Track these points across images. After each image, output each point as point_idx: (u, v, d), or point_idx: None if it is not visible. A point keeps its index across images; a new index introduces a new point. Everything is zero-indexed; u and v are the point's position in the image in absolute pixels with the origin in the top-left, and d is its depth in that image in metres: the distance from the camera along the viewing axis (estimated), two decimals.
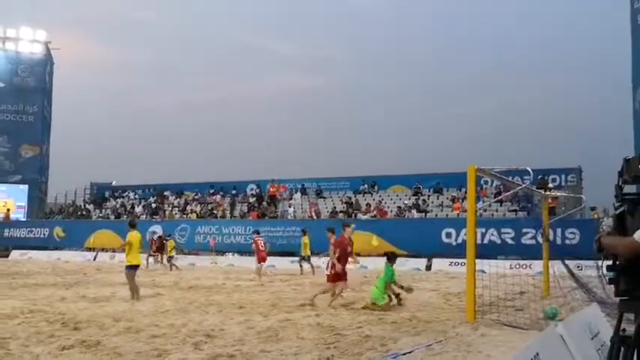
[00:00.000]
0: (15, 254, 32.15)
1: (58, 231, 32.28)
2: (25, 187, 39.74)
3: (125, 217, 33.16)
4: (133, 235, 12.36)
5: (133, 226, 12.80)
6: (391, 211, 26.70)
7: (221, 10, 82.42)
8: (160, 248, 23.61)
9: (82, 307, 10.62)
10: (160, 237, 24.75)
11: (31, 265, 23.02)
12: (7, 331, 7.92)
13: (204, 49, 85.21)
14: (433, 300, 12.00)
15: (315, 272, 18.91)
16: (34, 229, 33.29)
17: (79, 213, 35.94)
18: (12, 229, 34.76)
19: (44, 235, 32.97)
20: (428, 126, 76.87)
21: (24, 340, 7.37)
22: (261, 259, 18.34)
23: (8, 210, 37.59)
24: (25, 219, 37.42)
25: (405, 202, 27.16)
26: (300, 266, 20.33)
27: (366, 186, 30.65)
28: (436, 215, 25.49)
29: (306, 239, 20.10)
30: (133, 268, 12.28)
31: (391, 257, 11.27)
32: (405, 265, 21.09)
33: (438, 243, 22.24)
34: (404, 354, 6.54)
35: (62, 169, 47.33)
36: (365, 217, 26.05)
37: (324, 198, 31.06)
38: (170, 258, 22.54)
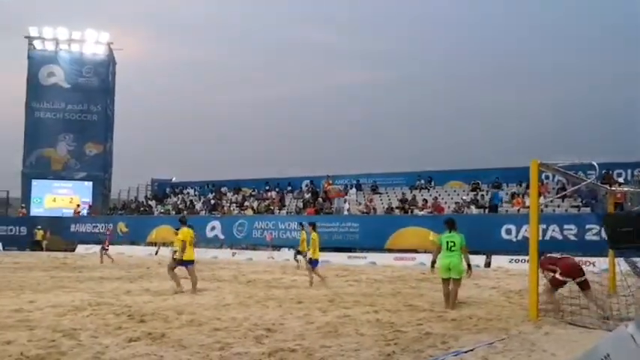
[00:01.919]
0: (80, 248, 33.42)
1: (122, 226, 33.32)
2: (89, 184, 41.16)
3: (185, 212, 33.96)
4: (185, 232, 12.73)
5: (183, 222, 13.13)
6: (448, 207, 26.34)
7: (278, 5, 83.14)
8: None
9: (146, 300, 10.95)
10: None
11: (96, 259, 23.84)
12: (77, 323, 8.25)
13: (260, 45, 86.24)
14: (494, 298, 11.79)
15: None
16: (98, 224, 34.46)
17: (141, 209, 36.98)
18: (78, 224, 36.12)
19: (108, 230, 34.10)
20: (484, 118, 75.45)
21: (93, 331, 7.65)
22: None
23: (78, 206, 39.06)
24: (86, 214, 38.74)
25: (463, 197, 26.75)
26: (296, 260, 20.21)
27: (422, 181, 30.33)
28: (496, 211, 24.99)
29: (303, 234, 19.67)
30: (190, 263, 12.68)
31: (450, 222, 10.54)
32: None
33: (498, 239, 21.81)
34: (465, 352, 6.47)
35: (125, 166, 48.84)
36: (421, 213, 25.81)
37: (380, 194, 30.91)
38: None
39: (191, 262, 12.75)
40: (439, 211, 25.03)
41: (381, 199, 30.09)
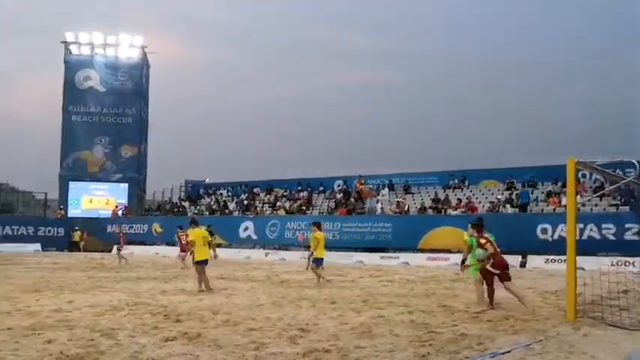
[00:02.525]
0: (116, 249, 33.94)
1: (156, 227, 33.79)
2: (125, 186, 41.86)
3: (218, 213, 34.30)
4: (195, 232, 12.95)
5: (194, 223, 13.35)
6: (483, 206, 26.04)
7: (301, 6, 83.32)
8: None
9: (181, 300, 11.08)
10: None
11: (132, 259, 24.23)
12: (115, 322, 8.39)
13: (287, 45, 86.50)
14: (530, 298, 11.59)
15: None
16: (134, 224, 34.99)
17: (175, 210, 37.44)
18: (114, 225, 36.74)
19: (143, 230, 34.63)
20: (519, 116, 74.40)
21: (130, 331, 7.77)
22: (182, 251, 20.21)
23: (116, 207, 39.79)
24: (122, 215, 39.38)
25: (498, 196, 26.41)
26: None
27: (455, 181, 30.05)
28: (530, 210, 24.61)
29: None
30: (201, 264, 12.85)
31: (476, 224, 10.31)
32: None
33: (533, 239, 21.46)
34: (502, 353, 6.39)
35: (159, 168, 49.53)
36: (455, 212, 25.57)
37: (412, 194, 30.73)
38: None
39: (204, 261, 12.92)
40: (473, 211, 24.75)
41: (413, 199, 29.90)
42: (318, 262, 14.89)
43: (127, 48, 42.49)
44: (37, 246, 34.04)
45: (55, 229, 36.24)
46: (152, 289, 13.31)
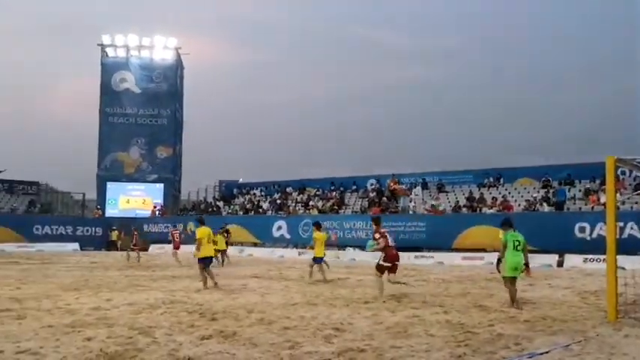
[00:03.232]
0: (153, 248, 34.50)
1: (191, 226, 34.11)
2: (160, 186, 42.44)
3: (252, 212, 34.54)
4: (202, 231, 13.37)
5: (201, 222, 13.86)
6: (519, 204, 25.67)
7: (338, 5, 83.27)
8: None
9: (216, 299, 11.19)
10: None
11: (168, 258, 24.54)
12: (152, 321, 8.52)
13: (321, 45, 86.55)
14: (568, 298, 11.39)
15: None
16: (169, 224, 35.47)
17: (210, 209, 37.82)
18: (151, 225, 37.35)
19: (179, 230, 35.04)
20: (555, 114, 73.12)
21: (167, 329, 7.88)
22: (175, 248, 22.85)
23: (155, 207, 40.43)
24: (158, 215, 39.94)
25: (534, 195, 25.99)
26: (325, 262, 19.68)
27: (490, 179, 29.68)
28: (568, 209, 24.15)
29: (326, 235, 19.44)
30: (203, 261, 13.24)
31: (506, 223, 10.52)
32: (535, 262, 20.19)
33: (571, 238, 21.05)
34: (540, 354, 6.28)
35: (193, 168, 50.08)
36: (490, 211, 25.25)
37: (447, 192, 30.46)
38: (223, 252, 21.65)
39: (209, 259, 13.46)
40: (508, 210, 24.42)
41: (447, 198, 29.64)
42: (317, 260, 15.43)
43: (161, 50, 43.04)
44: (76, 245, 34.79)
45: (93, 228, 37.00)
46: (187, 287, 13.48)
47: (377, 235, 11.73)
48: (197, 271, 13.85)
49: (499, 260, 10.29)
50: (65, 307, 10.00)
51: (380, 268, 11.55)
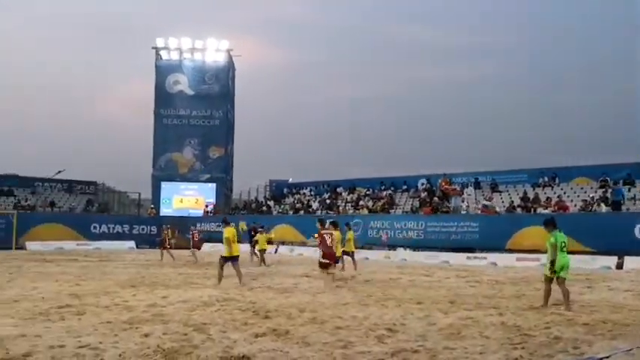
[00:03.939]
0: (206, 246, 35.02)
1: (243, 225, 34.52)
2: (213, 185, 43.13)
3: (302, 212, 34.71)
4: (228, 231, 13.89)
5: (227, 223, 14.46)
6: (575, 205, 24.95)
7: (385, 4, 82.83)
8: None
9: (269, 297, 11.30)
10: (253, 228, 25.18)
11: (216, 256, 24.85)
12: (206, 318, 8.67)
13: (368, 43, 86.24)
14: (629, 302, 11.01)
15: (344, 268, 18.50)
16: (220, 223, 35.95)
17: (261, 208, 38.21)
18: (203, 224, 37.99)
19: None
20: (614, 109, 70.81)
21: (221, 326, 8.00)
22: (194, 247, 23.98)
23: (207, 206, 41.17)
24: (210, 215, 40.58)
25: (591, 195, 25.20)
26: (342, 261, 19.19)
27: (545, 178, 28.94)
28: (627, 209, 23.33)
29: (350, 234, 19.07)
30: (227, 259, 13.75)
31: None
32: (593, 264, 19.62)
33: (631, 239, 20.32)
34: (600, 358, 6.09)
35: (244, 168, 50.72)
36: (545, 211, 24.63)
37: (500, 192, 29.87)
38: (262, 251, 21.69)
39: (236, 257, 13.82)
40: (564, 210, 23.79)
41: (501, 198, 29.07)
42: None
43: (213, 52, 43.69)
44: (132, 243, 35.68)
45: (148, 227, 37.86)
46: (240, 285, 13.64)
47: (316, 235, 13.80)
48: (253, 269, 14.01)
49: (552, 262, 10.03)
50: (122, 303, 10.28)
51: (320, 265, 13.28)
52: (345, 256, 18.53)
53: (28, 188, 39.93)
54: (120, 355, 6.21)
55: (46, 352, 6.27)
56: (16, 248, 30.54)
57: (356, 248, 19.99)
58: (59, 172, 40.20)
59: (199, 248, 23.64)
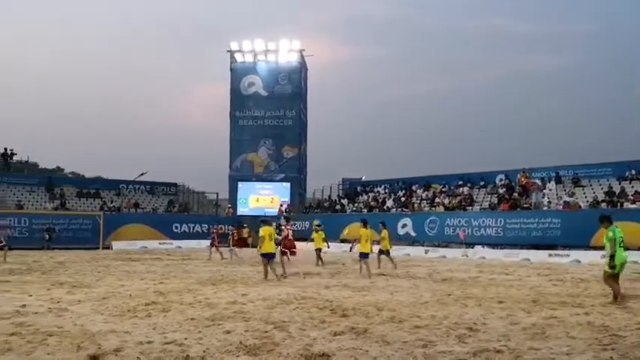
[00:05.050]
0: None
1: (317, 224, 34.77)
2: (287, 185, 43.69)
3: (376, 210, 34.60)
4: (264, 230, 14.73)
5: (265, 222, 15.54)
6: None
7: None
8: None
9: (346, 296, 11.34)
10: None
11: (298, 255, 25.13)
12: (285, 316, 8.79)
13: (434, 37, 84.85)
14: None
15: (396, 266, 18.50)
16: (296, 222, 36.41)
17: (334, 207, 38.35)
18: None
19: (305, 227, 35.89)
20: None
21: (301, 324, 8.10)
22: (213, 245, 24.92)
23: (281, 205, 41.80)
24: (286, 213, 41.13)
25: None
26: (379, 260, 18.49)
27: (632, 172, 27.54)
28: None
29: (384, 233, 18.57)
30: (265, 257, 14.66)
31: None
32: None
33: None
34: None
35: (318, 167, 51.10)
36: (633, 206, 23.48)
37: (583, 187, 28.68)
38: (319, 250, 21.11)
39: (272, 255, 14.84)
40: None
41: (584, 192, 27.92)
42: (363, 256, 16.12)
43: (286, 53, 44.21)
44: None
45: (226, 226, 38.75)
46: (316, 284, 13.78)
47: (284, 228, 18.51)
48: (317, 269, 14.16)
49: (612, 257, 9.79)
50: (205, 300, 10.58)
51: (282, 252, 17.21)
52: (381, 256, 18.48)
53: (113, 190, 41.75)
54: (204, 351, 6.39)
55: (135, 348, 6.54)
56: (103, 248, 32.01)
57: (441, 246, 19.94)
58: (142, 174, 41.79)
59: (242, 246, 24.04)
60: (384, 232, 18.65)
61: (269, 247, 14.66)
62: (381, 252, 18.45)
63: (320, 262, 20.42)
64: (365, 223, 16.62)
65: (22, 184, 38.86)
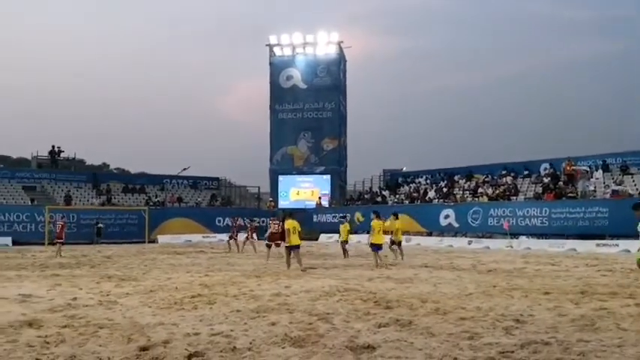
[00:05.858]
0: (323, 237, 35.68)
1: (358, 216, 34.77)
2: (327, 177, 43.78)
3: (418, 201, 34.36)
4: (289, 223, 15.46)
5: (290, 216, 16.21)
6: None
7: None
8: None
9: (389, 287, 11.30)
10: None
11: (337, 247, 25.15)
12: (329, 308, 8.81)
13: (481, 28, 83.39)
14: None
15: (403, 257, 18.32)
16: (337, 214, 36.46)
17: (376, 199, 38.24)
18: (319, 215, 38.72)
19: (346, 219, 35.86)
20: None
21: (344, 316, 8.10)
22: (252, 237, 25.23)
23: (320, 198, 41.94)
24: (327, 206, 41.21)
25: None
26: (392, 250, 18.52)
27: None
28: None
29: (397, 224, 18.52)
30: (289, 248, 15.46)
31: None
32: None
33: None
34: None
35: (358, 159, 51.00)
36: None
37: (632, 174, 27.87)
38: (344, 243, 20.60)
39: (296, 246, 15.40)
40: None
41: (633, 180, 27.13)
42: (374, 248, 16.20)
43: (324, 45, 44.22)
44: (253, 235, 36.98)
45: (268, 219, 39.03)
46: (359, 276, 13.77)
47: (271, 223, 19.47)
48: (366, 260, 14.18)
49: None
50: (249, 292, 10.69)
51: (267, 245, 18.89)
52: (392, 246, 18.51)
53: (157, 185, 42.53)
54: (250, 343, 6.45)
55: (183, 340, 6.65)
56: (149, 242, 32.66)
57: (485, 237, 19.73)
58: (185, 169, 42.47)
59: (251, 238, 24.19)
60: (397, 224, 18.64)
61: (293, 239, 15.30)
62: (392, 242, 18.52)
63: (346, 255, 20.03)
64: (378, 215, 16.77)
65: (69, 181, 40.00)
